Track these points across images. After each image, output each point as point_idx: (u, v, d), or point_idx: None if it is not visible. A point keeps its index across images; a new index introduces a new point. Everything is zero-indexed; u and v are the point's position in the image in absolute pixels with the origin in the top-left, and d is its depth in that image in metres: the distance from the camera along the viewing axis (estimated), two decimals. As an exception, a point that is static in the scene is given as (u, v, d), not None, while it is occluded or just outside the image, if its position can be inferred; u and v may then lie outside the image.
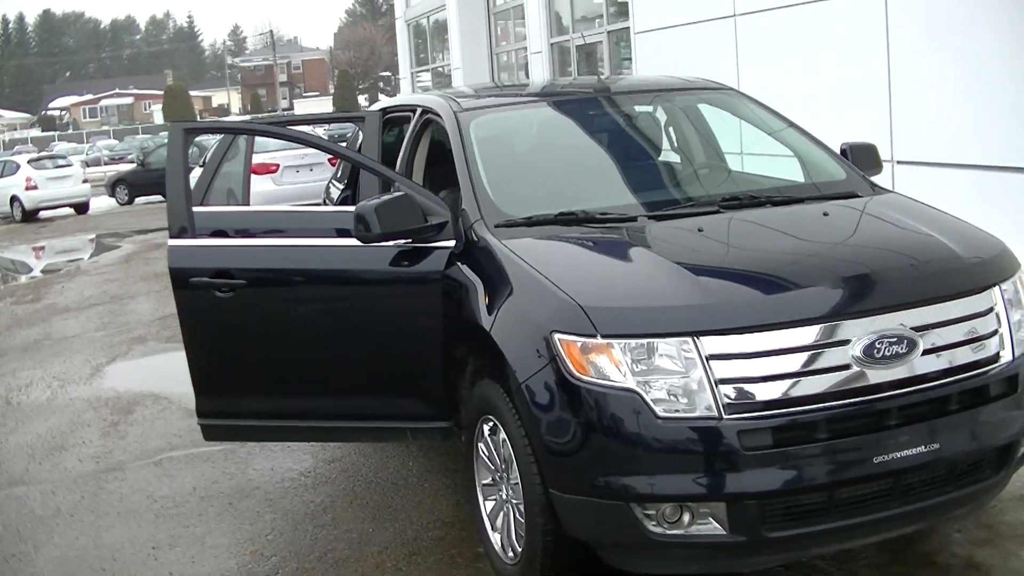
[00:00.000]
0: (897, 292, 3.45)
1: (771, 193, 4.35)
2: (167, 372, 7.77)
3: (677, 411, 3.24)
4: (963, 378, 3.42)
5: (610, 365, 3.30)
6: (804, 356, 3.30)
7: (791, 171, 4.78)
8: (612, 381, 3.29)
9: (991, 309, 3.55)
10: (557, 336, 3.39)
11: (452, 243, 4.19)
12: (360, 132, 5.69)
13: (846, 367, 3.30)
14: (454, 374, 4.22)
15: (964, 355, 3.45)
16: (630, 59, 11.42)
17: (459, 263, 4.11)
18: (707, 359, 3.25)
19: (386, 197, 4.14)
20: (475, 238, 4.07)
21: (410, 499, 4.86)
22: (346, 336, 4.39)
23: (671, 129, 5.15)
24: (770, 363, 3.27)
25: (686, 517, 3.28)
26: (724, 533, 3.26)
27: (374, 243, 4.13)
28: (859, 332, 3.32)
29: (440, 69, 19.57)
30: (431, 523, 4.59)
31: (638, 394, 3.25)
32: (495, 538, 3.98)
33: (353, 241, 4.27)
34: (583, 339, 3.34)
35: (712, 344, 3.27)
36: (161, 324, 9.54)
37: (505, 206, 4.18)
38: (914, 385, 3.35)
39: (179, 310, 4.55)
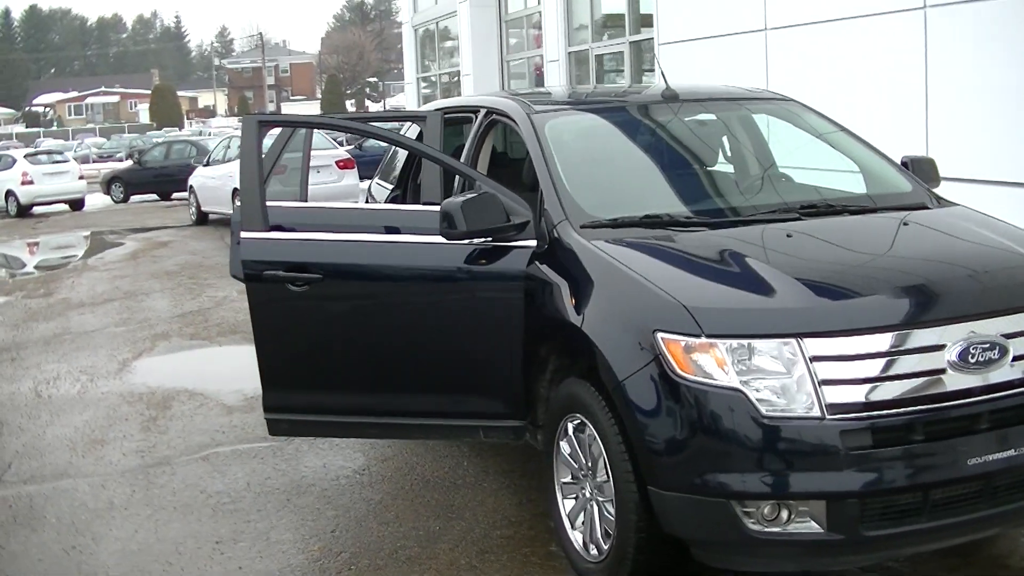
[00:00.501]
0: (989, 300, 3.50)
1: (846, 202, 4.39)
2: (197, 369, 7.77)
3: (781, 410, 3.27)
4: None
5: (714, 365, 3.33)
6: (902, 360, 3.34)
7: (855, 182, 4.83)
8: (717, 380, 3.31)
9: None
10: (660, 335, 3.41)
11: (533, 243, 4.21)
12: (421, 131, 5.70)
13: (942, 371, 3.34)
14: (533, 372, 4.23)
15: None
16: (652, 70, 11.48)
17: (543, 262, 4.13)
18: (810, 360, 3.29)
19: (471, 195, 4.15)
20: (561, 238, 4.09)
21: (471, 498, 4.86)
22: (422, 333, 4.40)
23: (725, 138, 5.19)
24: (870, 365, 3.31)
25: (784, 515, 3.31)
26: (822, 531, 3.29)
27: (458, 240, 4.15)
28: (954, 338, 3.37)
29: (446, 76, 19.62)
30: (497, 522, 4.59)
31: (743, 393, 3.28)
32: (575, 537, 3.99)
33: (432, 238, 4.29)
34: (687, 338, 3.37)
35: (815, 346, 3.30)
36: (182, 321, 9.52)
37: (589, 207, 4.19)
38: (1005, 390, 3.39)
39: (251, 303, 4.54)
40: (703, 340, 3.35)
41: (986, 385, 3.37)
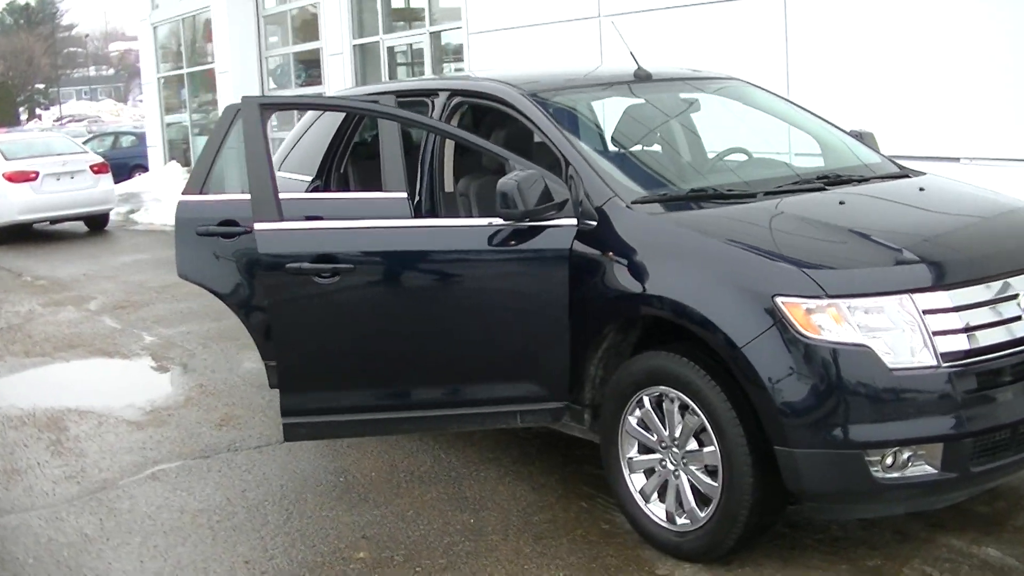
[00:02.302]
0: None
1: (851, 172, 4.64)
2: (64, 386, 7.11)
3: (903, 362, 3.46)
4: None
5: (836, 324, 3.47)
6: (992, 308, 3.62)
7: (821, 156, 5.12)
8: (844, 338, 3.46)
9: None
10: (780, 299, 3.52)
11: (573, 221, 4.19)
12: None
13: (1018, 318, 3.66)
14: (580, 351, 4.22)
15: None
16: (455, 61, 11.54)
17: (594, 240, 4.12)
18: (922, 313, 3.51)
19: (522, 174, 4.09)
20: (614, 215, 4.10)
21: (481, 488, 4.76)
22: (460, 319, 4.28)
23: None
24: (968, 315, 3.56)
25: (904, 460, 3.51)
26: (936, 472, 3.51)
27: (517, 221, 4.09)
28: (1022, 288, 3.70)
29: (196, 73, 18.77)
30: (526, 508, 4.53)
31: (870, 348, 3.45)
32: (655, 510, 4.01)
33: (466, 220, 4.19)
34: (809, 300, 3.49)
35: (924, 300, 3.52)
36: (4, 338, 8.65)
37: (632, 184, 4.24)
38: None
39: (271, 300, 4.25)
40: (825, 301, 3.49)
41: (1047, 330, 3.72)
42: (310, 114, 6.26)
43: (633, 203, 4.12)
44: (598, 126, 4.86)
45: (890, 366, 3.45)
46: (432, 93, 5.23)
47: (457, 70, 12.15)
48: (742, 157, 5.00)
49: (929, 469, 3.52)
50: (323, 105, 4.80)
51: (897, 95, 7.23)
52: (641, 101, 5.04)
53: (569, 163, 4.33)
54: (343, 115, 5.78)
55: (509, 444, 5.27)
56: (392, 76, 13.22)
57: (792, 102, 5.34)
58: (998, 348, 3.58)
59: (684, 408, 3.84)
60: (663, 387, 3.89)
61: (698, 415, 3.77)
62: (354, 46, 13.78)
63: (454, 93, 5.10)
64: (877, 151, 5.05)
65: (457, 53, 12.33)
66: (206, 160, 5.20)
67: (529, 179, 4.06)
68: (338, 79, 13.83)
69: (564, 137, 4.42)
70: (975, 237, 3.92)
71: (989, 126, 6.78)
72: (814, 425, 3.49)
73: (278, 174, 5.96)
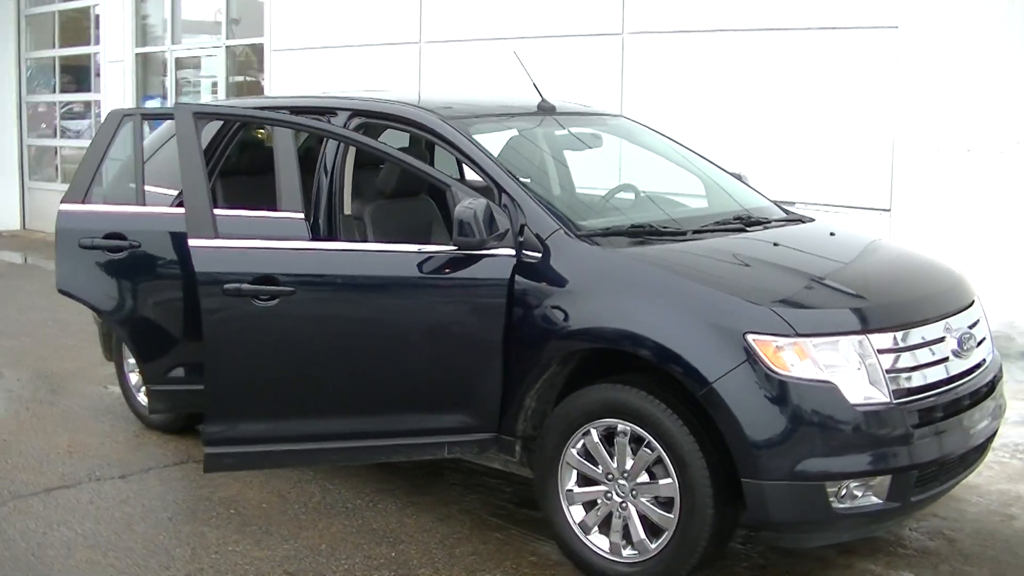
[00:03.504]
0: (955, 299, 4.20)
1: (757, 215, 4.87)
2: None
3: (862, 398, 3.67)
4: (993, 367, 4.28)
5: (803, 361, 3.65)
6: (928, 349, 3.91)
7: (701, 197, 5.34)
8: (810, 375, 3.64)
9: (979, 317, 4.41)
10: (751, 337, 3.65)
11: (511, 251, 4.18)
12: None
13: (947, 359, 3.97)
14: (515, 383, 4.19)
15: (987, 349, 4.30)
16: (251, 77, 11.19)
17: (537, 271, 4.11)
18: (877, 352, 3.74)
19: (477, 202, 4.04)
20: (560, 247, 4.11)
21: (388, 522, 4.61)
22: (398, 349, 4.18)
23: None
24: (910, 356, 3.84)
25: (858, 492, 3.71)
26: (881, 502, 3.74)
27: (472, 250, 4.03)
28: (949, 330, 4.02)
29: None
30: (443, 540, 4.41)
31: (834, 385, 3.64)
32: (597, 541, 4.04)
33: (405, 247, 4.13)
34: (779, 338, 3.65)
35: (878, 340, 3.76)
36: None
37: (575, 217, 4.28)
38: (975, 372, 4.11)
39: (205, 322, 3.97)
40: (794, 339, 3.65)
41: (967, 368, 4.06)
42: (171, 123, 5.91)
43: (579, 236, 4.16)
44: (521, 157, 4.86)
45: (851, 402, 3.65)
46: (329, 112, 5.05)
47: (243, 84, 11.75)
48: (631, 195, 5.15)
49: (875, 499, 3.74)
50: (264, 119, 4.55)
51: (727, 136, 7.55)
52: (564, 132, 5.10)
53: (506, 193, 4.30)
54: (218, 126, 5.51)
55: (394, 474, 5.13)
56: (179, 90, 12.63)
57: (676, 141, 5.53)
58: (934, 387, 3.87)
59: (636, 440, 3.89)
60: (615, 419, 3.93)
61: (654, 448, 3.83)
62: (136, 54, 13.07)
63: (356, 113, 4.95)
64: (761, 194, 5.32)
65: (250, 69, 11.97)
66: (89, 168, 4.83)
67: (485, 208, 4.03)
68: (117, 88, 13.07)
69: (498, 167, 4.40)
70: (906, 282, 4.21)
71: (818, 172, 7.24)
72: (782, 458, 3.63)
73: (130, 185, 5.64)
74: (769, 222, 4.78)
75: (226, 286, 3.93)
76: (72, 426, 5.93)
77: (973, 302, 4.33)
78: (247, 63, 11.94)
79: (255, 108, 5.29)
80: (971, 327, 4.15)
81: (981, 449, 4.13)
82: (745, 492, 3.68)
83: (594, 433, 4.00)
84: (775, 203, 5.24)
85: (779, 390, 3.62)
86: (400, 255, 4.19)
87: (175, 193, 5.58)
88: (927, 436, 3.80)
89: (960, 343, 4.01)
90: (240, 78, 12.02)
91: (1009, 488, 5.08)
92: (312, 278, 4.08)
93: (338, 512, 4.73)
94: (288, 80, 10.70)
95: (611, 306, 3.95)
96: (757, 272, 4.07)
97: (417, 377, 4.22)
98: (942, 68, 6.68)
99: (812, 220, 5.03)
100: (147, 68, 13.21)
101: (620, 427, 3.91)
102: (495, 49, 9.07)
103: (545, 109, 5.15)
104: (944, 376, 3.92)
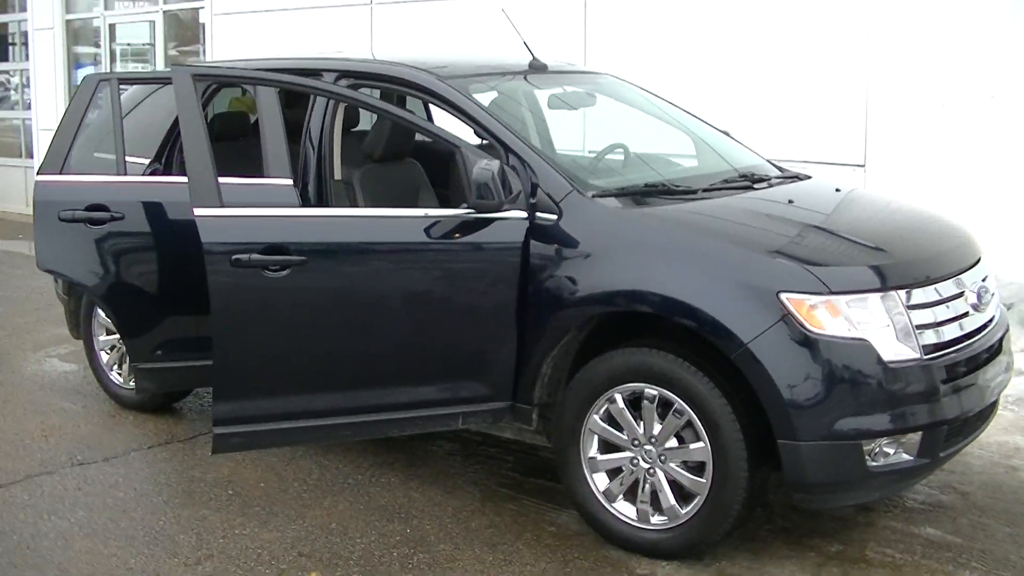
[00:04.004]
0: (967, 255, 4.17)
1: (760, 173, 4.79)
2: None
3: (895, 355, 3.63)
4: (1002, 323, 4.27)
5: (836, 319, 3.58)
6: (952, 304, 3.88)
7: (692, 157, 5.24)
8: (845, 333, 3.57)
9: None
10: (785, 296, 3.58)
11: (523, 214, 4.05)
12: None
13: (966, 314, 3.95)
14: (531, 349, 4.08)
15: (995, 305, 4.28)
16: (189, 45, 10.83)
17: (553, 233, 3.99)
18: (908, 308, 3.70)
19: (493, 163, 3.89)
20: (577, 208, 3.99)
21: (394, 497, 4.47)
22: (412, 317, 4.04)
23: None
24: (938, 311, 3.80)
25: (889, 449, 3.68)
26: (912, 459, 3.71)
27: (489, 213, 3.89)
28: (967, 285, 4.00)
29: None
30: (456, 514, 4.29)
31: (868, 342, 3.59)
32: (623, 509, 3.95)
33: (415, 211, 3.97)
34: (812, 296, 3.58)
35: (905, 296, 3.71)
36: None
37: (589, 178, 4.16)
38: (989, 326, 4.10)
39: (213, 296, 3.77)
40: (827, 297, 3.59)
41: (983, 324, 4.04)
42: (139, 88, 5.65)
43: (594, 197, 4.04)
44: (524, 116, 4.72)
45: (885, 359, 3.60)
46: (315, 73, 4.84)
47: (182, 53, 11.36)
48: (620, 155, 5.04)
49: (906, 456, 3.70)
50: (263, 80, 4.33)
51: (698, 93, 7.39)
52: (560, 90, 4.96)
53: (514, 154, 4.16)
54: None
55: (390, 447, 4.99)
56: (114, 58, 12.16)
57: (663, 98, 5.42)
58: (957, 342, 3.84)
59: (663, 404, 3.81)
60: (642, 384, 3.83)
61: (683, 412, 3.75)
62: (67, 21, 12.55)
63: (344, 75, 4.76)
64: (753, 151, 5.24)
65: (186, 36, 11.57)
66: (66, 136, 4.59)
67: (499, 169, 3.89)
68: (47, 57, 12.54)
69: (505, 128, 4.26)
70: (924, 238, 4.17)
71: (792, 128, 7.19)
72: (820, 418, 3.57)
73: (96, 155, 5.39)
74: (771, 179, 4.70)
75: (235, 257, 3.74)
76: (42, 408, 5.67)
77: (980, 258, 4.30)
78: (187, 29, 11.54)
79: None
80: (983, 282, 4.13)
81: (994, 403, 4.11)
82: (781, 454, 3.61)
83: (619, 398, 3.90)
84: (768, 161, 5.17)
85: (814, 349, 3.55)
86: (413, 220, 4.03)
87: (145, 162, 5.37)
88: (954, 391, 3.76)
89: (979, 298, 3.99)
90: (185, 48, 11.59)
91: (1007, 440, 5.12)
92: (326, 246, 3.90)
93: (341, 489, 4.58)
94: (232, 46, 10.35)
95: (636, 268, 3.84)
96: (781, 230, 3.99)
97: (431, 346, 4.09)
98: (916, 22, 6.67)
99: (809, 177, 4.96)
100: (79, 37, 12.69)
101: (648, 391, 3.82)
102: (449, 9, 8.89)
103: (537, 68, 5.00)
104: (963, 332, 3.88)
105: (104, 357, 5.68)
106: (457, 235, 4.04)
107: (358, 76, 4.76)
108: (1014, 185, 6.44)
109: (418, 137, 5.04)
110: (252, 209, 3.86)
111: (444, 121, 4.88)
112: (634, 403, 3.90)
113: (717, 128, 5.32)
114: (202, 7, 10.88)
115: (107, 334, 5.64)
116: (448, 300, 4.08)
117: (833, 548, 4.02)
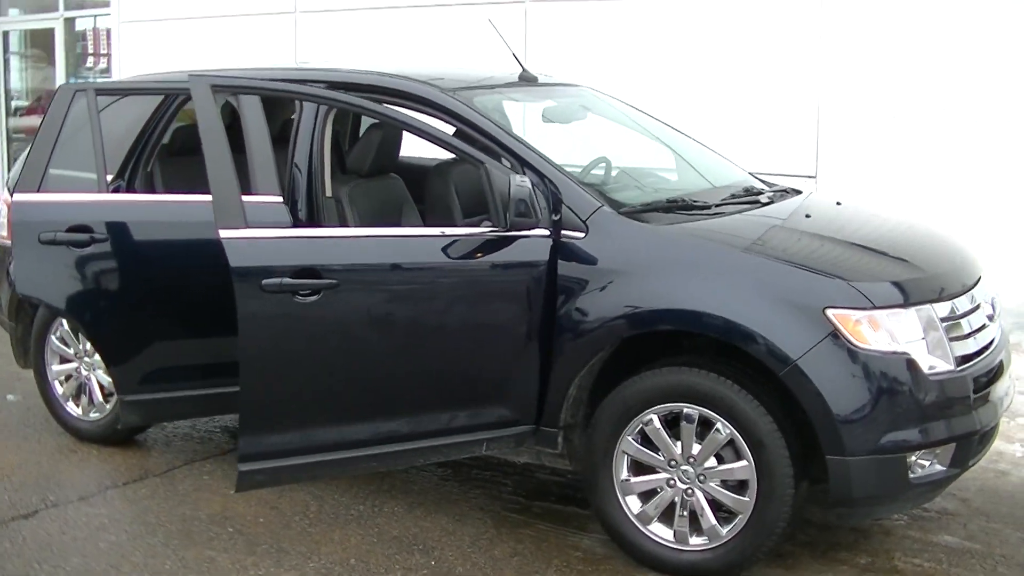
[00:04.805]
0: (975, 270, 4.23)
1: (756, 188, 4.79)
2: None
3: (935, 367, 3.67)
4: (1005, 336, 4.36)
5: (878, 333, 3.60)
6: (973, 316, 3.95)
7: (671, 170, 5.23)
8: (889, 347, 3.59)
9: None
10: (831, 312, 3.58)
11: (546, 232, 3.96)
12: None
13: (984, 326, 4.02)
14: (563, 371, 3.98)
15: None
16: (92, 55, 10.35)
17: (580, 252, 3.91)
18: (941, 321, 3.74)
19: (525, 178, 3.79)
20: (607, 226, 3.92)
21: (405, 527, 4.31)
22: (433, 341, 3.89)
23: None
24: (962, 324, 3.86)
25: (925, 460, 3.71)
26: (944, 469, 3.75)
27: (526, 232, 3.79)
28: (980, 298, 4.08)
29: None
30: (475, 542, 4.16)
31: (909, 355, 3.61)
32: (658, 531, 3.89)
33: (447, 230, 3.86)
34: (856, 312, 3.59)
35: (939, 309, 3.76)
36: None
37: (611, 193, 4.09)
38: (997, 339, 4.17)
39: (244, 323, 3.56)
40: (870, 312, 3.60)
41: (994, 336, 4.11)
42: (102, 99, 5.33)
43: (622, 214, 3.98)
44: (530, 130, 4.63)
45: (928, 372, 3.63)
46: (303, 85, 4.64)
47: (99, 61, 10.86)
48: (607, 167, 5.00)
49: (939, 467, 3.74)
50: (296, 93, 4.08)
51: (650, 105, 7.40)
52: (553, 103, 4.88)
53: (533, 169, 4.07)
54: (157, 101, 5.02)
55: (381, 476, 4.80)
56: (7, 68, 11.53)
57: (640, 110, 5.39)
58: (979, 353, 3.90)
59: (703, 423, 3.77)
60: (680, 403, 3.78)
61: (724, 431, 3.71)
62: (-46, 30, 11.86)
63: (335, 87, 4.57)
64: (736, 164, 5.26)
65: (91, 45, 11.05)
66: (42, 152, 4.30)
67: (536, 185, 3.80)
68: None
69: (522, 143, 4.16)
70: (940, 253, 4.21)
71: (743, 140, 7.22)
72: (868, 433, 3.58)
73: (52, 171, 5.08)
74: (773, 193, 4.71)
75: (265, 282, 3.54)
76: (4, 444, 5.29)
77: (982, 274, 4.38)
78: (91, 38, 11.02)
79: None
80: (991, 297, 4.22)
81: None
82: (829, 470, 3.60)
83: (655, 419, 3.84)
84: (751, 174, 5.19)
85: (861, 364, 3.56)
86: (444, 239, 3.88)
87: (109, 178, 5.07)
88: (982, 402, 3.83)
89: (992, 310, 4.08)
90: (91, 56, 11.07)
91: (988, 445, 5.24)
92: (359, 268, 3.73)
93: (346, 521, 4.39)
94: (142, 57, 9.92)
95: (674, 286, 3.79)
96: (813, 245, 3.99)
97: (458, 369, 3.96)
98: (867, 35, 6.81)
99: (799, 191, 5.00)
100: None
101: (687, 411, 3.77)
102: (376, 19, 8.71)
103: (527, 79, 4.92)
104: (983, 344, 3.95)
105: (59, 388, 5.34)
106: (479, 255, 3.92)
107: (349, 88, 4.57)
108: (963, 195, 6.63)
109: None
110: (280, 230, 3.66)
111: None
112: (669, 423, 3.84)
113: (697, 140, 5.32)
114: (107, 13, 10.40)
115: (61, 362, 5.31)
116: (475, 321, 3.96)
117: (862, 560, 4.04)
